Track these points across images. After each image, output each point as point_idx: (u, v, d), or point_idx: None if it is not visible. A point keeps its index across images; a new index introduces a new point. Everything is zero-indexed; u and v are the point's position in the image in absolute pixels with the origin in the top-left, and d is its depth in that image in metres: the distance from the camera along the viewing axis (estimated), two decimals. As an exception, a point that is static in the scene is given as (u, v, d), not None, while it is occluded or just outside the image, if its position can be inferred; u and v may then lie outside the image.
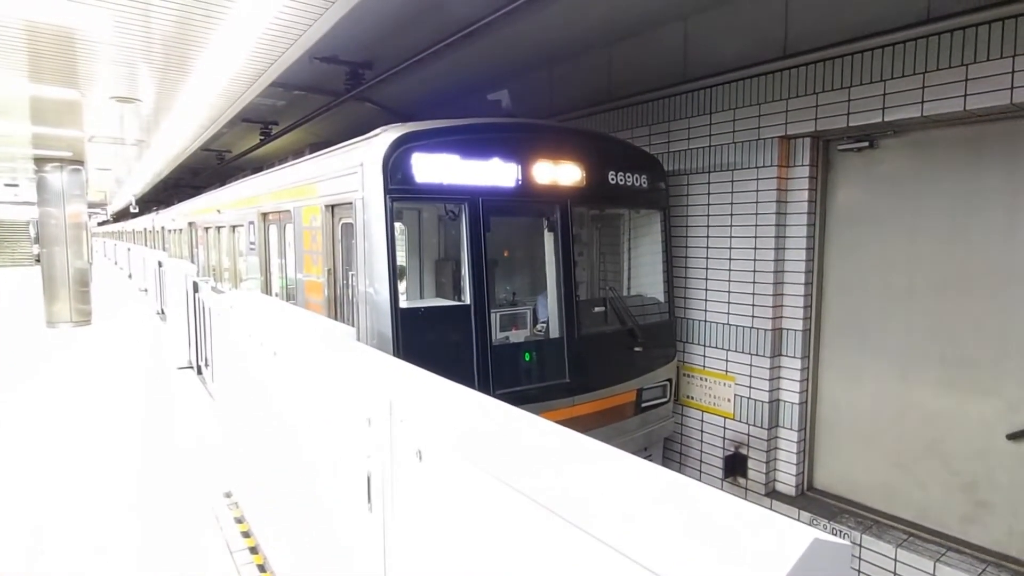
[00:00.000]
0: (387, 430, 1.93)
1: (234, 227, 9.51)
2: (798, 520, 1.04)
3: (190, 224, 14.00)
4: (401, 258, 4.84)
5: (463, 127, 4.72)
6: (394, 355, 3.64)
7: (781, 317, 5.45)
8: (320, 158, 5.67)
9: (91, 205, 21.26)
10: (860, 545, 4.78)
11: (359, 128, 5.56)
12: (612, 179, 5.37)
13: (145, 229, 24.86)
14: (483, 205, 4.57)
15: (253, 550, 3.77)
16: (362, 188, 4.47)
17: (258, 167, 9.73)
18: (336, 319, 5.17)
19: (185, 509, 4.29)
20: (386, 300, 4.26)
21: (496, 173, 4.64)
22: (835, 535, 0.94)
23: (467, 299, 4.54)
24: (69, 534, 3.96)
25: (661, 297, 5.92)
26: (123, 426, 6.02)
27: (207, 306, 7.06)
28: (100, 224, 45.65)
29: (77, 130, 8.59)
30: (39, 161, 11.85)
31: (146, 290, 16.66)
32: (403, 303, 4.40)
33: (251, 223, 8.18)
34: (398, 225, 4.53)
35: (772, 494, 5.58)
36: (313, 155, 5.97)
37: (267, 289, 7.80)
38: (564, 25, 6.02)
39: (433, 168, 4.40)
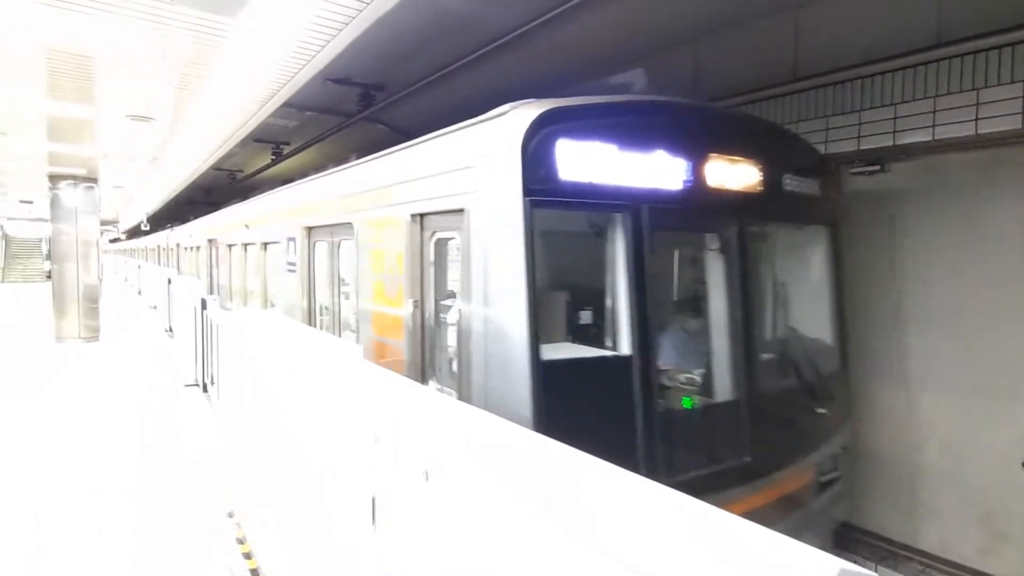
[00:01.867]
0: (393, 450, 1.90)
1: (266, 244, 8.15)
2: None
3: (210, 241, 12.66)
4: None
5: (622, 106, 3.63)
6: (534, 427, 2.79)
7: (792, 340, 5.38)
8: (402, 153, 4.45)
9: (103, 223, 21.51)
10: (876, 576, 4.66)
11: (370, 150, 5.56)
12: (787, 185, 4.16)
13: (159, 247, 23.57)
14: (648, 216, 3.35)
15: (255, 573, 3.71)
16: (481, 188, 3.32)
17: (285, 181, 9.13)
18: (427, 370, 4.05)
19: (186, 529, 4.24)
20: (521, 350, 3.04)
21: (661, 172, 3.43)
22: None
23: (625, 348, 3.30)
24: (67, 547, 3.92)
25: (830, 340, 4.64)
26: (126, 444, 5.99)
27: (215, 324, 7.07)
28: (112, 241, 46.12)
29: (92, 148, 8.73)
30: (54, 178, 12.04)
31: (155, 307, 16.74)
32: (547, 354, 3.12)
33: (291, 240, 6.81)
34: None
35: (784, 522, 5.45)
36: (387, 151, 4.73)
37: (312, 320, 6.45)
38: (576, 47, 6.08)
39: (585, 162, 3.19)
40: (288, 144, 10.91)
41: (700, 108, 4.13)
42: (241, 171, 14.17)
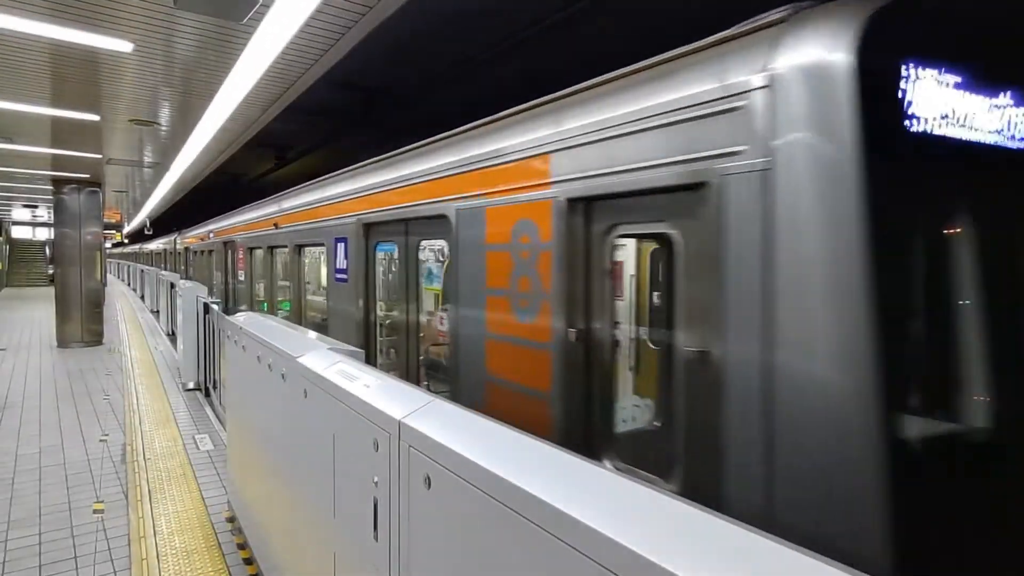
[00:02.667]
0: (394, 456, 1.88)
1: (300, 247, 6.74)
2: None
3: (226, 244, 11.11)
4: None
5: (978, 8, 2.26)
6: (891, 564, 1.61)
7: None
8: (548, 107, 2.99)
9: (106, 226, 21.53)
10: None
11: (373, 153, 5.53)
12: None
13: (165, 250, 22.55)
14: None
15: (255, 578, 3.69)
16: (757, 144, 1.96)
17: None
18: (599, 438, 2.73)
19: (186, 534, 4.22)
20: (858, 421, 1.72)
21: (1004, 122, 2.18)
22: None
23: (985, 418, 2.03)
24: (67, 551, 3.91)
25: None
26: (126, 446, 5.98)
27: (217, 328, 7.07)
28: (115, 245, 46.29)
29: (96, 152, 8.76)
30: (57, 183, 12.10)
31: (157, 311, 16.77)
32: (910, 430, 1.81)
33: (340, 241, 5.31)
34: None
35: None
36: (515, 110, 3.24)
37: (372, 348, 4.91)
38: (587, 48, 6.07)
39: (940, 97, 1.93)
40: (291, 148, 10.95)
41: None
42: (245, 175, 14.21)
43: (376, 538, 2.00)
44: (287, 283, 7.38)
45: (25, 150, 8.55)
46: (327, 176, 6.11)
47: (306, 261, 6.95)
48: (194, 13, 3.71)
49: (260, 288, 8.84)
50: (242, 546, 4.03)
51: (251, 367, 3.76)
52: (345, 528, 2.30)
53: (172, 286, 11.83)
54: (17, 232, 35.51)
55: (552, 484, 1.32)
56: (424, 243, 4.33)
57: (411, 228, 4.29)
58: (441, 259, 4.37)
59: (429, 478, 1.69)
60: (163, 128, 7.01)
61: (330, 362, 2.69)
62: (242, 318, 4.41)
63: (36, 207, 20.67)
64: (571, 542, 1.17)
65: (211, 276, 12.64)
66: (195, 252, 15.30)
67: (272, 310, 8.01)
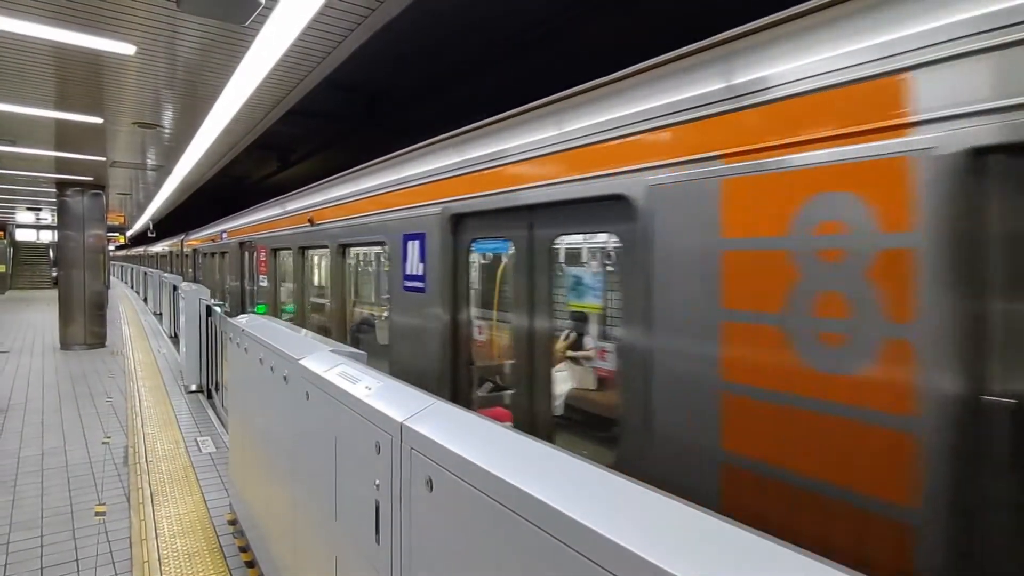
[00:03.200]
0: (396, 459, 1.87)
1: (345, 247, 5.48)
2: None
3: (242, 245, 9.78)
4: None
5: None
6: None
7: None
8: None
9: (110, 229, 21.55)
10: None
11: (375, 156, 5.51)
12: None
13: (171, 252, 21.59)
14: None
15: (256, 581, 3.68)
16: None
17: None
18: None
19: (188, 537, 4.21)
20: None
21: None
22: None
23: None
24: (69, 555, 3.91)
25: None
26: (128, 448, 5.98)
27: (220, 330, 7.07)
28: (118, 248, 46.38)
29: (99, 155, 8.79)
30: (61, 185, 12.14)
31: (160, 314, 16.80)
32: None
33: (413, 239, 3.98)
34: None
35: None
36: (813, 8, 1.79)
37: (460, 377, 3.55)
38: (594, 47, 6.08)
39: None
40: (294, 151, 10.97)
41: None
42: (248, 177, 14.25)
43: (378, 541, 1.99)
44: (324, 290, 6.11)
45: (29, 153, 8.58)
46: (389, 156, 4.60)
47: (350, 265, 5.75)
48: (197, 16, 3.72)
49: (287, 296, 7.44)
50: (244, 549, 4.02)
51: (253, 369, 3.75)
52: (347, 531, 2.30)
53: (175, 289, 11.84)
54: (21, 235, 35.64)
55: (554, 486, 1.32)
56: (563, 238, 3.09)
57: (540, 218, 2.97)
58: (603, 261, 3.15)
59: (431, 481, 1.68)
60: (166, 131, 7.03)
61: (332, 364, 2.68)
62: (244, 320, 4.41)
63: (40, 210, 20.73)
64: (573, 544, 1.16)
65: (223, 281, 11.26)
66: (205, 254, 13.95)
67: (302, 323, 6.70)
